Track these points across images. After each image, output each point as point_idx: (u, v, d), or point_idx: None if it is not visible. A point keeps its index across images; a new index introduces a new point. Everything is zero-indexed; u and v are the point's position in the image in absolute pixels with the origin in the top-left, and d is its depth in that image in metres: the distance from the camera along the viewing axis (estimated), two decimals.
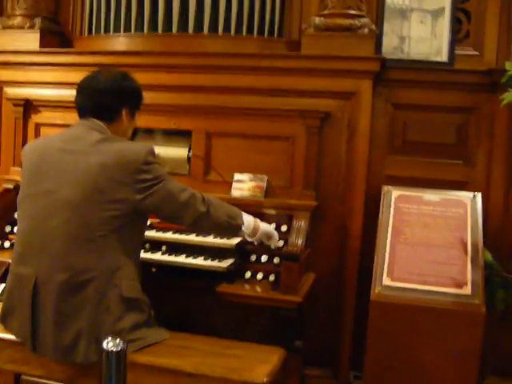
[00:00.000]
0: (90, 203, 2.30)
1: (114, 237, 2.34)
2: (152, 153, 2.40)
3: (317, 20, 3.08)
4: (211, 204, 2.53)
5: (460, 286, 2.58)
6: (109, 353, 1.60)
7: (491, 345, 2.98)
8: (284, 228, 2.98)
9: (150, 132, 3.37)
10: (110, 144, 2.38)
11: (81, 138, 2.42)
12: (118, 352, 1.60)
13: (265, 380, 2.23)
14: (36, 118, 3.50)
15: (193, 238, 2.98)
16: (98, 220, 2.30)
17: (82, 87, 2.54)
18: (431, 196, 2.88)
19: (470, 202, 2.84)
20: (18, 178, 3.39)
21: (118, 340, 1.61)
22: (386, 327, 2.61)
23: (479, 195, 2.86)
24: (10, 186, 3.38)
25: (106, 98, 2.48)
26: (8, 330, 2.48)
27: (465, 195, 2.88)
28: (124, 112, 2.54)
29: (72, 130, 2.52)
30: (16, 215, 3.22)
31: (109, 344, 1.61)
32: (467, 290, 2.57)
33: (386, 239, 2.78)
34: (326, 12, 3.10)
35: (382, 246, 2.76)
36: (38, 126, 3.49)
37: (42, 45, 3.52)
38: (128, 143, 2.47)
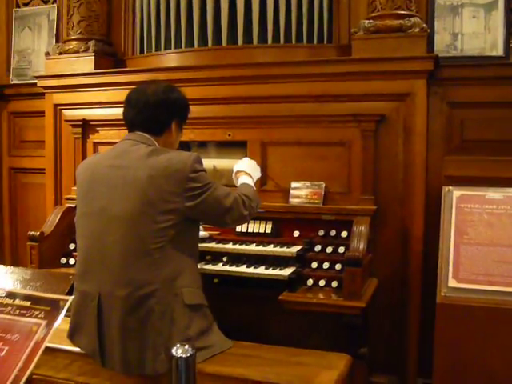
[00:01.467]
0: (143, 217, 2.33)
1: (170, 247, 2.36)
2: (199, 161, 2.42)
3: (366, 23, 3.06)
4: (249, 204, 2.58)
5: None
6: (178, 359, 1.61)
7: None
8: (344, 234, 2.95)
9: (204, 145, 3.41)
10: (158, 156, 2.40)
11: (129, 153, 2.45)
12: (187, 358, 1.61)
13: None
14: (94, 137, 3.59)
15: (253, 247, 3.00)
16: (152, 233, 2.33)
17: (130, 101, 2.56)
18: (494, 194, 2.80)
19: None
20: None
21: (186, 346, 1.62)
22: (453, 330, 2.54)
23: None
24: (73, 205, 3.46)
25: (157, 111, 2.51)
26: (76, 346, 2.53)
27: None
28: (173, 124, 2.57)
29: (120, 145, 2.55)
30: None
31: (178, 351, 1.62)
32: None
33: (450, 240, 2.71)
34: (374, 14, 3.09)
35: (445, 247, 2.69)
36: (95, 145, 3.58)
37: (96, 66, 3.63)
38: (175, 153, 2.47)
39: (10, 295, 1.92)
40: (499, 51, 3.09)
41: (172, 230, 2.36)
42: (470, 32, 3.14)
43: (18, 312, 1.87)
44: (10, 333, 1.80)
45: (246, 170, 2.90)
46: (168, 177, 2.35)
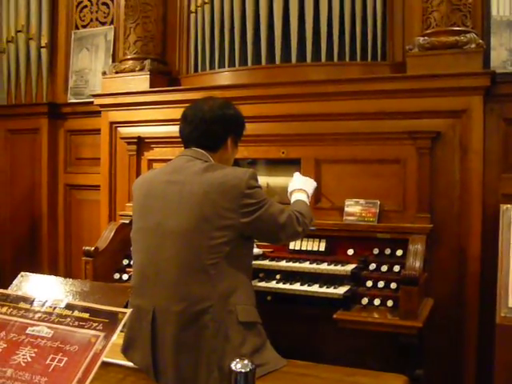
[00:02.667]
0: (198, 232, 2.33)
1: (225, 263, 2.36)
2: (254, 177, 2.42)
3: (421, 40, 3.05)
4: (303, 220, 2.55)
5: None
6: (237, 374, 1.60)
7: None
8: (399, 252, 2.91)
9: (258, 163, 3.43)
10: (213, 172, 2.41)
11: (185, 168, 2.46)
12: (246, 373, 1.60)
13: None
14: (148, 155, 3.65)
15: (307, 265, 2.99)
16: (207, 248, 2.32)
17: (187, 117, 2.58)
18: None
19: None
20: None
21: (246, 361, 1.61)
22: None
23: None
24: (126, 221, 3.51)
25: (213, 127, 2.52)
26: (129, 360, 2.54)
27: None
28: (229, 140, 2.58)
29: (176, 161, 2.56)
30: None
31: (237, 365, 1.61)
32: None
33: (509, 259, 2.64)
34: (429, 31, 3.07)
35: (504, 267, 2.63)
36: (150, 162, 3.63)
37: (151, 85, 3.70)
38: (230, 169, 2.48)
39: (69, 307, 1.94)
40: None
41: (227, 246, 2.36)
42: None
43: (76, 323, 1.88)
44: (69, 344, 1.81)
45: (300, 187, 2.89)
46: (223, 193, 2.35)
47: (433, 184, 3.01)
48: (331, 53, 3.34)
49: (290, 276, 2.99)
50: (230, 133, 2.59)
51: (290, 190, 2.89)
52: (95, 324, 1.84)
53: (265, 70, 3.45)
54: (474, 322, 2.97)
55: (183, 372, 2.36)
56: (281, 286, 2.93)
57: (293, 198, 2.82)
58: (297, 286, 2.90)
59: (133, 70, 3.73)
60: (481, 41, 3.00)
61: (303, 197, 2.81)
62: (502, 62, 3.12)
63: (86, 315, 1.89)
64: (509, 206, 2.81)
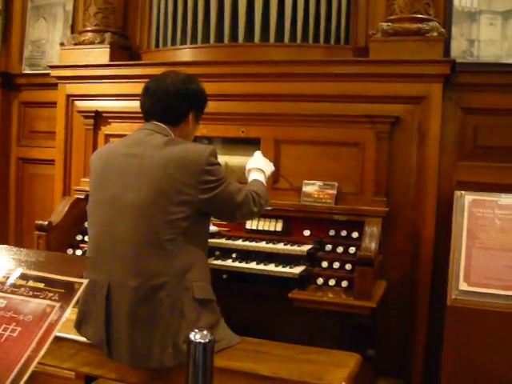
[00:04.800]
0: (156, 207, 2.31)
1: (182, 239, 2.35)
2: (214, 154, 2.41)
3: (384, 25, 3.07)
4: (259, 201, 2.56)
5: None
6: (196, 344, 1.60)
7: None
8: (355, 235, 2.96)
9: (217, 142, 3.40)
10: (173, 146, 2.39)
11: (145, 142, 2.43)
12: (205, 344, 1.60)
13: (343, 383, 2.21)
14: (105, 130, 3.58)
15: (263, 245, 3.00)
16: (164, 223, 2.31)
17: (148, 90, 2.55)
18: (507, 200, 2.80)
19: None
20: (88, 188, 3.47)
21: (205, 332, 1.61)
22: (463, 334, 2.55)
23: None
24: (81, 196, 3.45)
25: (175, 101, 2.50)
26: (82, 336, 2.51)
27: None
28: (191, 115, 2.56)
29: (136, 134, 2.53)
30: (87, 224, 3.33)
31: (196, 336, 1.61)
32: None
33: (461, 244, 2.71)
34: (393, 17, 3.10)
35: (457, 250, 2.70)
36: (107, 137, 3.57)
37: (111, 59, 3.63)
38: (191, 144, 2.47)
39: (24, 276, 1.89)
40: None
41: (184, 222, 2.34)
42: (486, 39, 3.15)
43: (31, 293, 1.84)
44: (23, 314, 1.78)
45: (258, 167, 2.89)
46: (183, 168, 2.33)
47: (390, 168, 3.05)
48: (295, 34, 3.33)
49: (246, 255, 2.99)
50: (192, 108, 2.56)
51: (249, 167, 2.89)
52: (51, 294, 1.81)
53: (227, 49, 3.42)
54: (425, 305, 3.04)
55: (137, 348, 2.35)
56: (237, 264, 2.93)
57: (250, 177, 2.81)
58: (253, 265, 2.90)
59: (92, 43, 3.64)
60: (442, 29, 3.05)
61: (261, 177, 2.81)
62: (462, 51, 3.18)
63: (41, 285, 1.85)
64: (463, 192, 2.87)
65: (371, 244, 2.75)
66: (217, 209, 2.47)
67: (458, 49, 3.17)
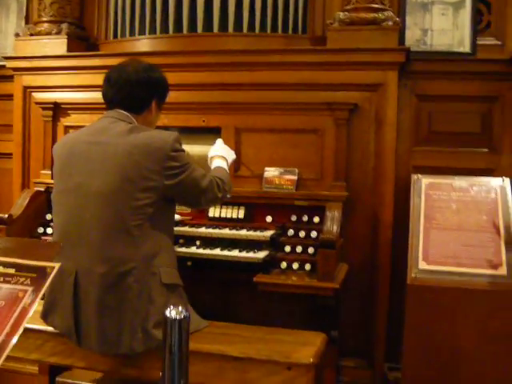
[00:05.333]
0: (122, 193, 2.33)
1: (148, 225, 2.37)
2: (179, 141, 2.44)
3: (341, 15, 3.15)
4: (223, 187, 2.61)
5: (495, 267, 2.62)
6: (172, 321, 1.63)
7: None
8: (316, 219, 3.02)
9: (178, 131, 3.40)
10: (138, 133, 2.41)
11: (109, 129, 2.45)
12: (180, 320, 1.63)
13: (311, 360, 2.27)
14: (65, 121, 3.55)
15: (227, 231, 3.04)
16: (131, 209, 2.33)
17: (111, 78, 2.55)
18: (461, 182, 2.92)
19: (500, 187, 2.88)
20: (48, 180, 3.47)
21: (180, 308, 1.64)
22: (423, 310, 2.64)
23: (507, 180, 2.90)
24: (41, 189, 3.42)
25: (138, 89, 2.52)
26: (50, 325, 2.51)
27: (494, 181, 2.91)
28: (153, 103, 2.58)
29: (99, 122, 2.54)
30: (48, 216, 3.31)
31: (172, 312, 1.64)
32: (503, 270, 2.61)
33: (419, 225, 2.81)
34: (349, 7, 3.18)
35: (415, 231, 2.79)
36: (66, 129, 3.53)
37: (69, 50, 3.59)
38: (155, 131, 2.50)
39: None
40: (466, 48, 3.23)
41: (150, 208, 2.37)
42: (439, 28, 3.27)
43: (1, 279, 1.83)
44: None
45: (221, 154, 2.93)
46: (148, 154, 2.35)
47: (349, 154, 3.13)
48: (253, 24, 3.37)
49: (209, 242, 3.03)
50: (155, 96, 2.59)
51: (211, 154, 2.93)
52: (22, 279, 1.81)
53: (186, 39, 3.44)
54: (386, 285, 3.14)
55: (106, 334, 2.36)
56: (201, 251, 2.96)
57: (213, 164, 2.85)
58: (217, 251, 2.94)
59: (49, 33, 3.60)
60: (397, 19, 3.14)
61: (224, 164, 2.85)
62: (416, 40, 3.29)
63: (12, 270, 1.85)
64: (419, 175, 2.98)
65: (333, 227, 2.82)
66: (182, 194, 2.49)
67: (411, 38, 3.28)
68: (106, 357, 2.47)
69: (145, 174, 2.34)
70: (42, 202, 3.39)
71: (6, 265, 1.87)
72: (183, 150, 2.47)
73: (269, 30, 3.38)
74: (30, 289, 1.77)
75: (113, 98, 2.54)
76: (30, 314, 1.72)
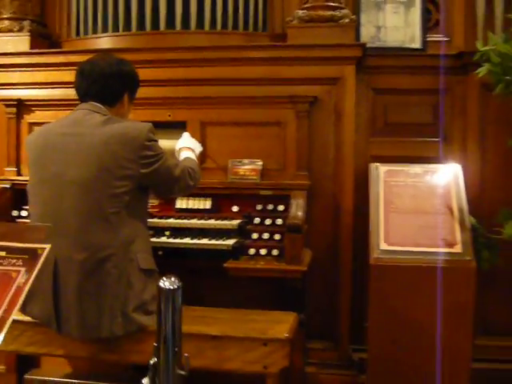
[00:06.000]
0: (99, 182, 2.41)
1: (125, 213, 2.46)
2: (153, 131, 2.55)
3: (300, 13, 3.30)
4: (194, 176, 2.72)
5: (451, 245, 2.81)
6: (166, 291, 1.72)
7: (478, 306, 3.20)
8: (281, 208, 3.15)
9: None
10: (113, 124, 2.50)
11: (84, 121, 2.52)
12: (174, 290, 1.73)
13: (286, 335, 2.41)
14: (29, 118, 3.56)
15: (195, 221, 3.14)
16: (108, 197, 2.42)
17: (84, 72, 2.62)
18: (416, 169, 3.11)
19: (452, 172, 3.07)
20: (13, 177, 3.49)
21: (173, 279, 1.74)
22: (385, 288, 2.80)
23: (459, 166, 3.10)
24: (7, 185, 3.43)
25: (111, 82, 2.60)
26: (28, 315, 2.55)
27: (446, 167, 3.11)
28: (126, 96, 2.68)
29: (74, 114, 2.61)
30: (14, 212, 3.32)
31: (165, 283, 1.73)
32: (458, 248, 2.80)
33: (379, 210, 2.98)
34: (307, 5, 3.33)
35: (375, 216, 2.96)
36: (30, 126, 3.54)
37: (31, 47, 3.62)
38: (129, 122, 2.61)
39: None
40: (417, 44, 3.45)
41: (127, 195, 2.46)
42: (391, 26, 3.47)
43: None
44: None
45: (188, 146, 3.04)
46: (124, 144, 2.45)
47: (310, 145, 3.28)
48: (215, 21, 3.49)
49: (179, 232, 3.12)
50: (127, 89, 2.69)
51: (179, 146, 3.04)
52: (14, 260, 1.87)
53: (149, 36, 3.53)
54: (348, 269, 3.29)
55: (87, 319, 2.43)
56: (172, 240, 3.05)
57: (182, 156, 2.95)
58: (187, 240, 3.03)
59: (11, 31, 3.61)
60: (353, 16, 3.31)
61: (192, 155, 2.96)
62: (371, 37, 3.48)
63: (3, 253, 1.90)
64: (377, 164, 3.15)
65: (298, 213, 2.96)
66: (156, 183, 2.59)
67: (367, 35, 3.46)
68: (84, 343, 2.54)
69: (121, 163, 2.43)
70: (7, 199, 3.41)
71: None
72: (156, 140, 2.57)
73: (230, 28, 3.51)
74: (23, 269, 1.83)
75: (86, 90, 2.61)
76: (25, 292, 1.78)
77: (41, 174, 2.53)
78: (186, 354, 1.76)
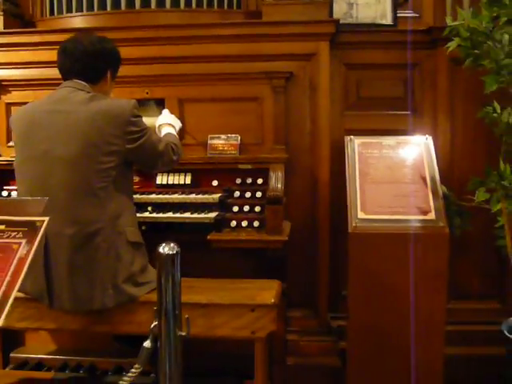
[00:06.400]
0: (87, 158, 2.47)
1: (112, 187, 2.54)
2: (137, 107, 2.62)
3: None
4: (177, 150, 2.82)
5: (425, 212, 2.93)
6: (166, 256, 1.81)
7: (450, 272, 3.35)
8: (260, 181, 3.23)
9: None
10: (98, 101, 2.56)
11: (69, 98, 2.57)
12: (173, 255, 1.81)
13: (273, 301, 2.52)
14: (6, 98, 3.57)
15: (177, 196, 3.20)
16: (96, 173, 2.48)
17: (66, 50, 2.66)
18: (389, 141, 3.22)
19: (424, 143, 3.20)
20: None
21: (172, 244, 1.82)
22: (363, 256, 2.90)
23: (430, 138, 3.22)
24: None
25: (95, 60, 2.65)
26: (19, 291, 2.59)
27: (418, 138, 3.23)
28: (108, 73, 2.73)
29: (59, 91, 2.65)
30: (3, 190, 3.34)
31: (165, 249, 1.82)
32: (432, 215, 2.93)
33: (356, 181, 3.08)
34: None
35: (352, 186, 3.06)
36: (8, 106, 3.56)
37: (5, 27, 3.60)
38: (114, 99, 2.67)
39: None
40: (388, 20, 3.55)
41: (114, 170, 2.53)
42: (363, 2, 3.56)
43: None
44: None
45: (168, 122, 3.11)
46: (110, 120, 2.51)
47: (287, 119, 3.37)
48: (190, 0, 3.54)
49: (160, 207, 3.18)
50: (110, 66, 2.74)
51: (159, 122, 3.11)
52: (14, 233, 1.93)
53: (124, 15, 3.55)
54: (326, 240, 3.41)
55: (79, 292, 2.50)
56: (154, 215, 3.11)
57: (163, 132, 3.02)
58: (170, 214, 3.11)
59: None
60: None
61: (173, 131, 3.04)
62: (343, 13, 3.56)
63: (2, 227, 1.97)
64: (352, 137, 3.25)
65: (277, 185, 3.06)
66: (141, 158, 2.67)
67: (339, 11, 3.55)
68: (76, 316, 2.61)
69: (107, 139, 2.49)
70: None
71: None
72: (141, 116, 2.64)
73: (205, 6, 3.56)
74: (24, 241, 1.90)
75: (70, 68, 2.65)
76: (28, 263, 1.85)
77: (28, 151, 2.57)
78: (186, 316, 1.84)
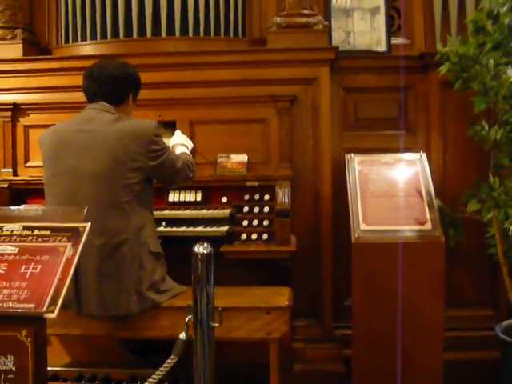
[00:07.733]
0: (114, 173, 2.67)
1: (136, 201, 2.73)
2: (158, 127, 2.84)
3: (278, 20, 3.63)
4: (192, 168, 3.02)
5: (422, 223, 3.17)
6: (200, 255, 2.01)
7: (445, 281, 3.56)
8: (267, 197, 3.45)
9: None
10: (123, 121, 2.77)
11: (96, 119, 2.78)
12: (207, 254, 2.01)
13: (286, 303, 2.73)
14: (24, 121, 3.75)
15: (190, 212, 3.42)
16: (122, 187, 2.68)
17: (92, 74, 2.87)
18: (387, 158, 3.46)
19: (419, 160, 3.44)
20: (9, 177, 3.68)
21: (205, 244, 2.02)
22: (366, 265, 3.12)
23: (424, 155, 3.47)
24: (4, 186, 3.62)
25: (119, 84, 2.87)
26: None
27: (413, 155, 3.47)
28: (130, 96, 2.95)
29: (86, 112, 2.86)
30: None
31: (200, 248, 2.02)
32: (428, 225, 3.16)
33: (357, 195, 3.31)
34: (284, 13, 3.66)
35: (354, 200, 3.29)
36: (26, 128, 3.75)
37: (24, 54, 3.82)
38: (138, 120, 2.88)
39: (27, 228, 2.18)
40: (383, 47, 3.83)
41: (138, 186, 2.73)
42: (359, 31, 3.85)
43: (40, 239, 2.13)
44: (39, 255, 2.07)
45: (181, 142, 3.33)
46: (134, 139, 2.72)
47: (291, 139, 3.59)
48: (198, 28, 3.79)
49: (174, 222, 3.39)
50: (132, 90, 2.96)
51: (172, 143, 3.32)
52: (59, 237, 2.13)
53: (136, 42, 3.80)
54: (329, 250, 3.61)
55: (106, 299, 2.67)
56: (169, 229, 3.32)
57: (177, 151, 3.23)
58: (184, 229, 3.31)
59: (3, 39, 3.82)
60: (326, 23, 3.66)
61: (186, 150, 3.26)
62: (341, 41, 3.84)
63: (48, 232, 2.16)
64: (352, 154, 3.49)
65: (285, 200, 3.28)
66: (161, 174, 2.88)
67: (338, 39, 3.83)
68: (101, 322, 2.77)
69: (133, 156, 2.70)
70: (6, 198, 3.59)
71: (40, 228, 2.18)
72: (161, 136, 2.85)
73: (212, 34, 3.81)
74: (69, 244, 2.10)
75: (96, 92, 2.86)
76: (75, 263, 2.04)
77: (57, 167, 2.76)
78: (219, 308, 2.04)
